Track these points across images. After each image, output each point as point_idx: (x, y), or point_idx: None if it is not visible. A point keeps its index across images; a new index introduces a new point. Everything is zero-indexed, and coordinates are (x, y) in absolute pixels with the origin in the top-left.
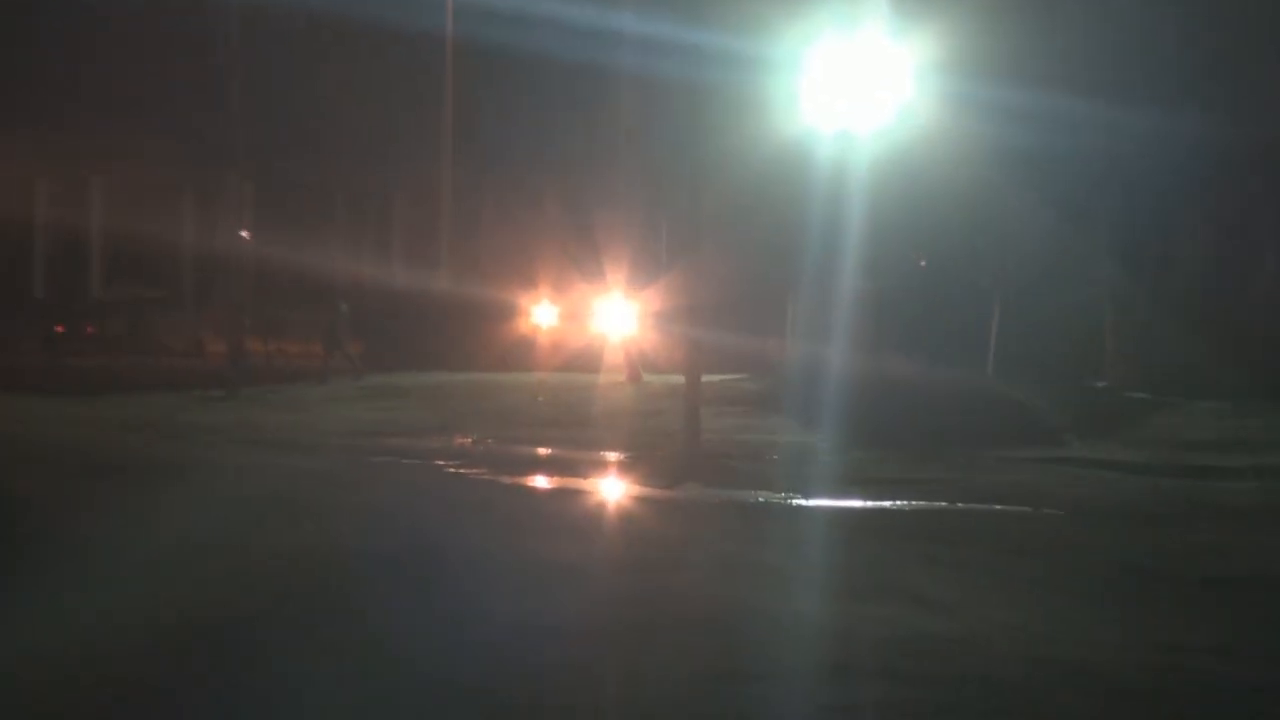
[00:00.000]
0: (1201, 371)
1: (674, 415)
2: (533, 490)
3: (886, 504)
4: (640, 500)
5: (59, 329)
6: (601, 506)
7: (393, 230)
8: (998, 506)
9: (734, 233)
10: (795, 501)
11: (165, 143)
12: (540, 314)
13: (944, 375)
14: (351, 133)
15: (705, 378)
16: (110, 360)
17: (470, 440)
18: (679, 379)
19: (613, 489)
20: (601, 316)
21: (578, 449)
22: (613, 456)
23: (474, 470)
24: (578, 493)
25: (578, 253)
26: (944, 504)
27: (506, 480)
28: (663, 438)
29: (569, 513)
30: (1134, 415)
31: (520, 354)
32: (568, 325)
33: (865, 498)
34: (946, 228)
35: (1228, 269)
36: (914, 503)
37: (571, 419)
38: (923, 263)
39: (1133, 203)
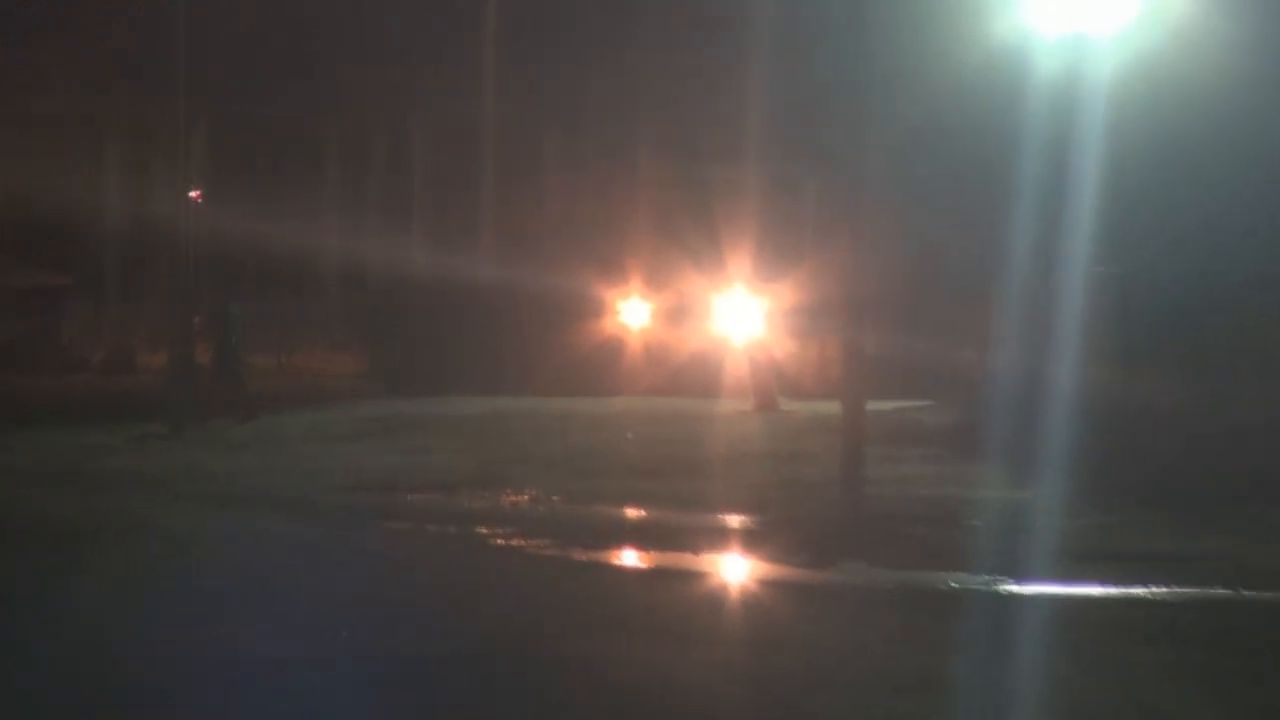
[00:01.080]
0: None
1: (825, 460)
2: (619, 571)
3: (1138, 592)
4: (778, 587)
5: None
6: (721, 595)
7: (412, 193)
8: None
9: (914, 193)
10: (1004, 588)
11: (78, 64)
12: (630, 314)
13: (1225, 401)
14: (351, 51)
15: (871, 405)
16: (2, 379)
17: (527, 497)
18: (832, 407)
19: (737, 570)
20: (719, 318)
21: (685, 510)
22: (736, 521)
23: (533, 542)
24: (687, 576)
25: (685, 227)
26: (1225, 592)
27: (580, 557)
28: (809, 493)
29: (674, 605)
30: None
31: (600, 372)
32: (669, 331)
33: (1107, 582)
34: (1224, 183)
35: None
36: (1180, 589)
37: (676, 465)
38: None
39: None
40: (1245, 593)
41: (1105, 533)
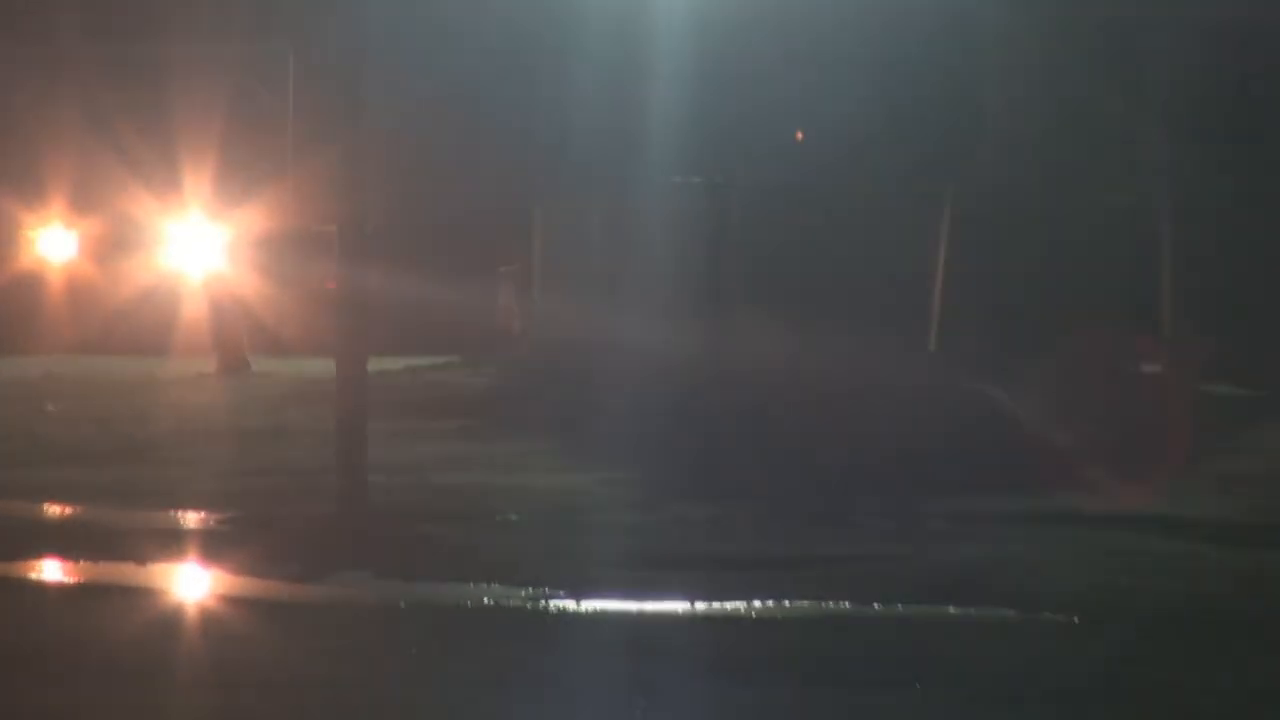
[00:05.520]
0: None
1: (314, 438)
2: (35, 590)
3: (733, 608)
4: (253, 607)
5: None
6: (175, 619)
7: None
8: (951, 609)
9: (438, 85)
10: (557, 604)
11: None
12: (48, 245)
13: (847, 357)
14: None
15: (377, 363)
16: None
17: None
18: (323, 367)
19: (197, 584)
20: (170, 251)
21: (127, 506)
22: (197, 520)
23: None
24: (128, 593)
25: (120, 127)
26: (846, 605)
27: None
28: (294, 483)
29: (109, 633)
30: (1212, 428)
31: (6, 324)
32: (103, 268)
33: (693, 595)
34: (833, 79)
35: None
36: (789, 604)
37: (114, 447)
38: (800, 135)
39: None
40: (874, 606)
41: (697, 531)
